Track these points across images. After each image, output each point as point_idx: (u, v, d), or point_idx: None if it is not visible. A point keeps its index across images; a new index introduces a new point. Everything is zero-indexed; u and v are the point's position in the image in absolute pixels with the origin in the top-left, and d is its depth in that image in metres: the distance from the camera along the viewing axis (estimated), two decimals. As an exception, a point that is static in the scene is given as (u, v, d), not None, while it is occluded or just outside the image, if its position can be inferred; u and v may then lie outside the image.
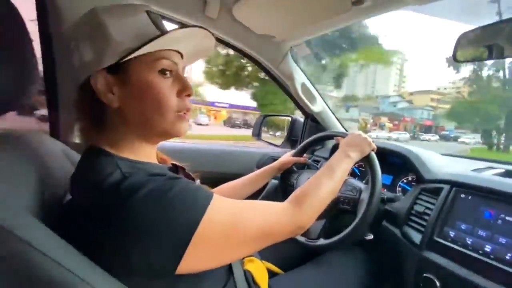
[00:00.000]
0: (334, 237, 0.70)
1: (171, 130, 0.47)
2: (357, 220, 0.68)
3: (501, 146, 16.04)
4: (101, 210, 0.37)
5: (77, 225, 0.39)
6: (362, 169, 1.08)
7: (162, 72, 0.44)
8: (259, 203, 0.48)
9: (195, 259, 0.38)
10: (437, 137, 26.58)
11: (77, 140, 0.86)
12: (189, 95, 0.48)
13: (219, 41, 0.97)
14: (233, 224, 0.41)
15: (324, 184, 0.58)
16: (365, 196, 0.72)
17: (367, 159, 0.71)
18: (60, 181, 0.50)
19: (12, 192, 0.36)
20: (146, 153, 0.48)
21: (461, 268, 0.58)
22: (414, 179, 0.90)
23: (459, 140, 24.43)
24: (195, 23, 0.89)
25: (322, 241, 0.72)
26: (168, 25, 0.48)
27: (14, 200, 0.35)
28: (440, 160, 0.89)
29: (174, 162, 0.58)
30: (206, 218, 0.38)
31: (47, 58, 0.79)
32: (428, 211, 0.70)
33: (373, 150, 0.73)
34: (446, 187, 0.70)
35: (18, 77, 0.41)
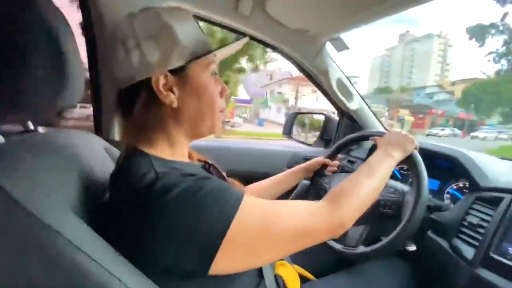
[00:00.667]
0: (375, 244, 0.63)
1: (215, 128, 0.51)
2: (402, 224, 0.61)
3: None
4: (136, 210, 0.38)
5: (114, 223, 0.40)
6: (403, 172, 0.99)
7: (213, 74, 0.49)
8: (292, 202, 0.46)
9: (227, 261, 0.38)
10: (448, 131, 23.14)
11: (117, 138, 0.92)
12: (227, 95, 0.51)
13: (252, 38, 0.95)
14: (265, 224, 0.40)
15: (364, 183, 0.54)
16: (409, 198, 0.64)
17: (410, 159, 0.65)
18: (101, 179, 0.53)
19: (56, 190, 0.38)
20: (182, 152, 0.50)
21: None
22: (467, 185, 0.80)
23: (471, 134, 21.03)
24: (228, 21, 0.89)
25: (362, 249, 0.65)
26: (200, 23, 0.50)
27: (57, 198, 0.37)
28: (498, 165, 0.78)
29: (206, 160, 0.58)
30: (237, 219, 0.37)
31: (91, 57, 0.84)
32: (483, 223, 0.62)
33: (415, 148, 0.66)
34: (507, 197, 0.61)
35: (64, 79, 0.44)
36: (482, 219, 0.63)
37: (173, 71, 0.44)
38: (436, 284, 0.72)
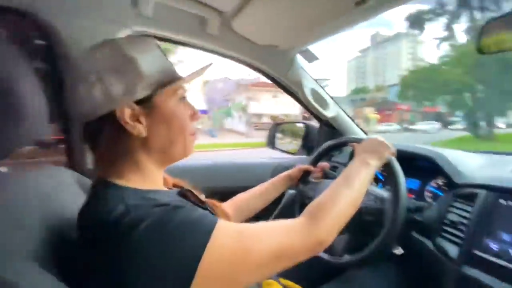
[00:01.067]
0: (360, 252, 0.64)
1: (187, 152, 0.50)
2: (384, 232, 0.62)
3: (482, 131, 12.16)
4: (104, 245, 0.36)
5: (82, 262, 0.39)
6: (385, 174, 1.01)
7: (181, 99, 0.49)
8: (268, 223, 0.46)
9: None
10: (398, 126, 23.39)
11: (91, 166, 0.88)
12: (197, 119, 0.51)
13: (223, 56, 0.96)
14: (242, 249, 0.39)
15: (342, 195, 0.53)
16: (389, 205, 0.65)
17: (387, 166, 0.65)
18: (73, 217, 0.50)
19: (14, 239, 0.36)
20: (155, 180, 0.49)
21: (508, 286, 0.51)
22: (445, 183, 0.82)
23: (414, 127, 21.00)
24: (196, 41, 0.89)
25: (347, 258, 0.66)
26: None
27: (16, 248, 0.35)
28: (473, 160, 0.81)
29: (182, 185, 0.57)
30: (211, 246, 0.36)
31: (59, 92, 0.82)
32: (464, 221, 0.63)
33: (392, 154, 0.67)
34: (482, 192, 0.62)
35: (22, 118, 0.41)
36: (462, 216, 0.64)
37: (139, 101, 0.44)
38: (425, 284, 0.72)
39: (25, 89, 0.42)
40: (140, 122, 0.44)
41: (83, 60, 0.44)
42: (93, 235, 0.39)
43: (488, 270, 0.55)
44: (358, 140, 0.72)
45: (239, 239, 0.40)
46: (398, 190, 0.62)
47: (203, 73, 0.51)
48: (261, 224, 0.44)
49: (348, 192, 0.54)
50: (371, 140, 0.68)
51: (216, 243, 0.37)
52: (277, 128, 1.50)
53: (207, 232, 0.37)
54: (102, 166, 0.45)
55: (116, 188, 0.42)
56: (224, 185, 1.18)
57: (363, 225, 0.70)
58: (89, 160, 0.92)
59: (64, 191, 0.55)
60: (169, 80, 0.46)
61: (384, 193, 0.71)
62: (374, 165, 0.62)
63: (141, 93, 0.43)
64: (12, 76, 0.39)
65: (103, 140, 0.44)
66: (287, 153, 1.45)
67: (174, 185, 0.57)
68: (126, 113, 0.42)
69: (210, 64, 0.51)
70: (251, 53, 0.96)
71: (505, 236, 0.55)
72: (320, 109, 1.12)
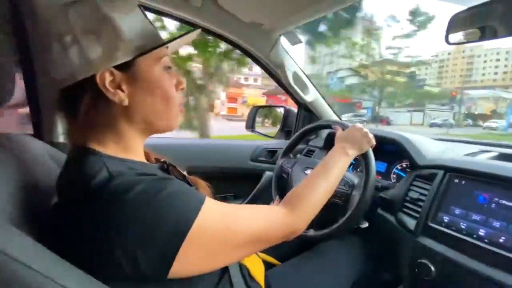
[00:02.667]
0: (323, 229, 0.70)
1: (173, 124, 0.48)
2: (345, 216, 0.68)
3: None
4: (88, 212, 0.35)
5: (64, 228, 0.37)
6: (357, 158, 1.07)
7: (166, 68, 0.46)
8: (252, 207, 0.47)
9: (186, 264, 0.37)
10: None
11: (61, 139, 0.84)
12: (182, 89, 0.49)
13: (205, 30, 0.93)
14: (226, 228, 0.40)
15: (320, 185, 0.56)
16: (356, 193, 0.71)
17: (363, 156, 0.69)
18: (45, 185, 0.48)
19: None
20: (137, 151, 0.47)
21: (456, 253, 0.58)
22: (408, 165, 0.89)
23: None
24: (179, 12, 0.85)
25: (312, 232, 0.72)
26: (149, 15, 0.47)
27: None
28: (434, 146, 0.88)
29: (165, 160, 0.56)
30: (198, 222, 0.37)
31: (24, 56, 0.75)
32: (422, 197, 0.70)
33: (371, 146, 0.70)
34: (440, 173, 0.69)
35: None
36: (421, 194, 0.71)
37: (119, 67, 0.41)
38: (387, 255, 0.80)
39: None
40: (122, 90, 0.42)
41: (56, 18, 0.40)
42: (74, 201, 0.37)
43: (440, 240, 0.62)
44: (343, 125, 0.74)
45: (223, 219, 0.40)
46: (368, 178, 0.67)
47: (188, 40, 0.49)
48: (245, 207, 0.46)
49: (325, 182, 0.57)
50: (354, 130, 0.69)
51: (203, 219, 0.37)
52: (257, 111, 1.52)
53: (196, 206, 0.38)
54: (80, 134, 0.43)
55: (96, 154, 0.41)
56: (203, 165, 1.18)
57: (329, 205, 0.75)
58: (58, 131, 0.87)
59: (35, 159, 0.53)
60: (153, 45, 0.43)
61: (354, 178, 0.76)
62: (352, 155, 0.65)
63: (121, 58, 0.40)
64: None
65: (81, 107, 0.41)
66: (266, 136, 1.47)
67: (156, 160, 0.56)
68: (106, 79, 0.40)
69: (196, 31, 0.49)
70: (235, 29, 0.94)
71: (456, 210, 0.62)
72: (300, 93, 1.14)
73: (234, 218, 0.42)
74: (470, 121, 24.33)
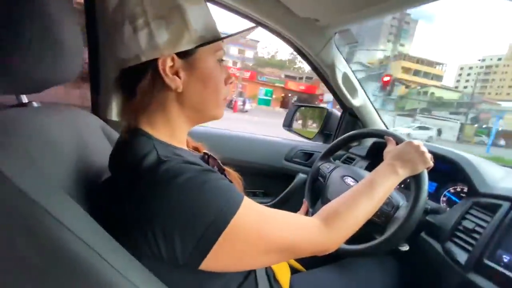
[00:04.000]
0: (353, 245, 0.63)
1: (218, 115, 0.50)
2: (385, 236, 0.60)
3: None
4: (137, 191, 0.37)
5: (113, 203, 0.40)
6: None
7: (219, 61, 0.48)
8: (288, 215, 0.45)
9: (217, 259, 0.37)
10: None
11: (115, 118, 0.90)
12: (231, 83, 0.50)
13: (260, 25, 0.91)
14: (259, 230, 0.40)
15: (362, 204, 0.51)
16: (400, 214, 0.63)
17: (415, 178, 0.61)
18: (98, 159, 0.51)
19: (50, 169, 0.37)
20: (182, 138, 0.49)
21: None
22: (465, 190, 0.79)
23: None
24: (236, 4, 0.85)
25: (342, 246, 0.64)
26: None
27: (50, 177, 0.36)
28: (497, 171, 0.77)
29: (206, 151, 0.57)
30: (235, 220, 0.37)
31: (91, 35, 0.81)
32: (479, 229, 0.62)
33: (427, 168, 0.61)
34: (505, 204, 0.60)
35: (60, 55, 0.42)
36: (478, 225, 0.62)
37: (180, 55, 0.43)
38: (426, 284, 0.72)
39: (66, 27, 0.42)
40: (178, 76, 0.43)
41: (130, 2, 0.41)
42: (125, 179, 0.39)
43: (495, 280, 0.54)
44: (398, 139, 0.66)
45: (258, 222, 0.40)
46: (418, 200, 0.59)
47: (246, 35, 0.49)
48: (281, 213, 0.44)
49: (368, 202, 0.52)
50: (410, 146, 0.61)
51: (241, 216, 0.37)
52: (296, 110, 1.48)
53: (236, 202, 0.38)
54: (134, 115, 0.45)
55: (147, 136, 0.43)
56: (237, 158, 1.19)
57: (367, 223, 0.69)
58: (114, 111, 0.94)
59: (91, 134, 0.57)
60: (213, 37, 0.45)
61: (400, 200, 0.68)
62: (402, 175, 0.58)
63: (185, 46, 0.42)
64: (53, 14, 0.39)
65: (140, 88, 0.43)
66: (303, 137, 1.43)
67: (194, 148, 0.57)
68: (167, 64, 0.42)
69: (255, 27, 0.49)
70: (290, 24, 0.91)
71: (520, 251, 0.54)
72: (348, 96, 1.08)
73: (269, 222, 0.41)
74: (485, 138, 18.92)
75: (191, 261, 0.36)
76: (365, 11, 0.81)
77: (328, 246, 0.47)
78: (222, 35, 0.47)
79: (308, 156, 1.27)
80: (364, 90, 1.12)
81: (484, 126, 23.26)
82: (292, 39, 0.95)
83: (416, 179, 0.60)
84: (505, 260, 0.55)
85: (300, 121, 1.50)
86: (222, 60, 0.48)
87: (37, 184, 0.31)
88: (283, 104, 26.39)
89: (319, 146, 1.31)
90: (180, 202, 0.35)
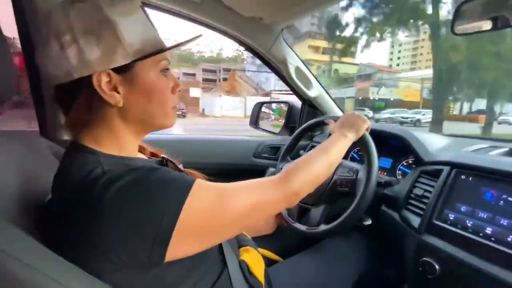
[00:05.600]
0: (334, 221, 0.68)
1: (168, 124, 0.49)
2: (356, 200, 0.66)
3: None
4: (81, 206, 0.36)
5: (58, 224, 0.38)
6: (360, 153, 1.05)
7: (163, 71, 0.46)
8: (245, 182, 0.47)
9: (182, 245, 0.38)
10: None
11: (66, 137, 0.85)
12: (179, 91, 0.49)
13: (206, 26, 0.92)
14: (219, 206, 0.40)
15: (318, 158, 0.56)
16: (362, 175, 0.70)
17: (361, 139, 0.69)
18: (46, 181, 0.49)
19: None
20: (132, 148, 0.48)
21: (461, 251, 0.57)
22: (414, 161, 0.87)
23: None
24: (179, 8, 0.85)
25: (323, 227, 0.70)
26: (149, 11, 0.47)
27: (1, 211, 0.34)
28: (440, 142, 0.86)
29: (164, 156, 0.56)
30: (188, 204, 0.37)
31: (27, 51, 0.76)
32: (427, 194, 0.68)
33: (367, 128, 0.70)
34: (446, 169, 0.67)
35: None
36: (426, 190, 0.69)
37: (116, 69, 0.41)
38: (391, 253, 0.78)
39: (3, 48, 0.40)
40: (117, 91, 0.42)
41: (55, 15, 0.39)
42: (68, 197, 0.38)
43: (445, 238, 0.60)
44: (335, 118, 0.75)
45: (216, 197, 0.41)
46: (370, 158, 0.67)
47: (188, 43, 0.49)
48: (237, 182, 0.46)
49: (324, 157, 0.57)
50: (348, 115, 0.71)
51: (194, 200, 0.38)
52: (260, 107, 1.51)
53: (185, 189, 0.38)
54: (76, 131, 0.43)
55: (93, 153, 0.41)
56: (205, 161, 1.18)
57: (337, 196, 0.75)
58: (63, 129, 0.89)
59: (38, 158, 0.53)
60: (152, 49, 0.43)
61: (357, 165, 0.75)
62: (350, 137, 0.65)
63: (120, 61, 0.40)
64: None
65: (77, 105, 0.41)
66: (269, 132, 1.46)
67: (152, 154, 0.57)
68: (103, 80, 0.40)
69: (198, 36, 0.48)
70: (235, 24, 0.92)
71: (462, 208, 0.60)
72: (304, 88, 1.13)
73: (227, 193, 0.42)
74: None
75: (155, 256, 0.36)
76: (307, 5, 0.85)
77: (293, 189, 0.49)
78: (166, 43, 0.46)
79: (275, 150, 1.30)
80: (318, 81, 1.18)
81: (360, 98, 24.17)
82: (241, 38, 0.97)
83: (363, 140, 0.69)
84: (451, 218, 0.61)
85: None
86: (167, 69, 0.46)
87: None
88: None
89: (285, 139, 1.35)
90: (123, 204, 0.35)
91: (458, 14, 0.62)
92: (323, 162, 0.56)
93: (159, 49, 0.44)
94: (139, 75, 0.43)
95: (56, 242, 0.35)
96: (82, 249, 0.35)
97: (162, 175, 0.38)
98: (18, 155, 0.47)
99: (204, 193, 0.40)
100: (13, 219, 0.34)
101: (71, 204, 0.37)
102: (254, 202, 0.44)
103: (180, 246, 0.37)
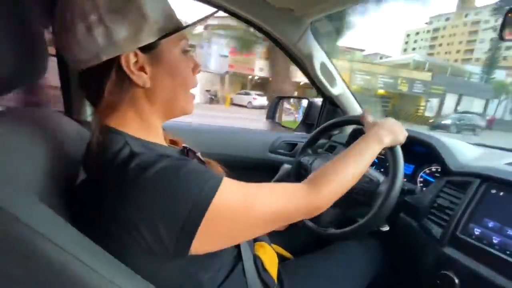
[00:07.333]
0: (344, 228, 0.67)
1: (189, 108, 0.49)
2: (371, 214, 0.63)
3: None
4: (111, 189, 0.36)
5: (91, 205, 0.39)
6: (381, 157, 1.02)
7: (185, 51, 0.46)
8: (272, 185, 0.46)
9: (206, 239, 0.38)
10: None
11: (89, 119, 0.87)
12: (199, 72, 0.49)
13: (232, 14, 0.90)
14: (245, 205, 0.40)
15: (349, 168, 0.53)
16: (382, 189, 0.66)
17: (392, 150, 0.65)
18: (73, 161, 0.50)
19: (20, 171, 0.36)
20: (158, 134, 0.48)
21: (485, 268, 0.54)
22: (439, 170, 0.83)
23: None
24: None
25: (332, 231, 0.69)
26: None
27: (20, 184, 0.34)
28: (470, 151, 0.82)
29: (185, 145, 0.56)
30: (217, 199, 0.37)
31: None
32: (452, 206, 0.65)
33: (404, 138, 0.66)
34: (475, 181, 0.64)
35: (25, 54, 0.40)
36: (451, 202, 0.66)
37: (143, 49, 0.41)
38: (407, 261, 0.76)
39: (30, 28, 0.40)
40: (144, 72, 0.42)
41: None
42: (99, 178, 0.39)
43: (468, 252, 0.58)
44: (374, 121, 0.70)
45: (242, 197, 0.40)
46: (396, 174, 0.62)
47: (206, 20, 0.48)
48: (265, 185, 0.45)
49: (355, 165, 0.55)
50: (392, 121, 0.67)
51: (223, 196, 0.38)
52: (279, 102, 1.48)
53: (215, 184, 0.38)
54: (104, 114, 0.43)
55: (119, 134, 0.42)
56: (220, 152, 1.18)
57: (352, 203, 0.72)
58: (88, 111, 0.90)
59: (65, 135, 0.55)
60: (174, 27, 0.43)
61: (380, 176, 0.72)
62: (386, 144, 0.62)
63: (146, 40, 0.40)
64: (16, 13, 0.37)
65: (105, 88, 0.41)
66: (286, 128, 1.44)
67: (172, 142, 0.57)
68: (130, 61, 0.40)
69: (213, 12, 0.48)
70: (264, 14, 0.89)
71: (490, 223, 0.58)
72: (327, 85, 1.09)
73: (254, 195, 0.42)
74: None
75: (180, 246, 0.36)
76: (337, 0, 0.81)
77: (317, 204, 0.49)
78: (184, 24, 0.46)
79: (292, 146, 1.29)
80: (343, 79, 1.14)
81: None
82: (268, 29, 0.94)
83: (394, 152, 0.65)
84: (476, 233, 0.58)
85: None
86: (187, 50, 0.47)
87: (4, 193, 0.30)
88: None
89: (302, 136, 1.33)
90: (156, 191, 0.35)
91: (506, 20, 0.58)
92: (352, 172, 0.54)
93: (182, 26, 0.44)
94: (165, 53, 0.43)
95: (86, 223, 0.36)
96: (115, 233, 0.36)
97: (193, 166, 0.38)
98: (47, 132, 0.48)
99: (232, 190, 0.40)
100: (43, 196, 0.35)
101: (102, 187, 0.37)
102: (279, 208, 0.43)
103: (205, 240, 0.37)
